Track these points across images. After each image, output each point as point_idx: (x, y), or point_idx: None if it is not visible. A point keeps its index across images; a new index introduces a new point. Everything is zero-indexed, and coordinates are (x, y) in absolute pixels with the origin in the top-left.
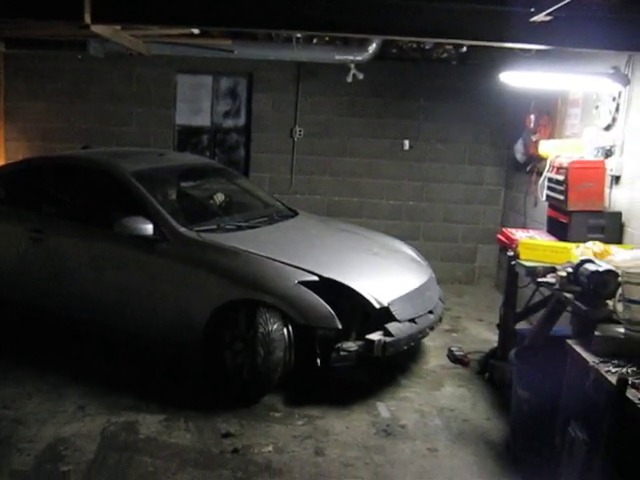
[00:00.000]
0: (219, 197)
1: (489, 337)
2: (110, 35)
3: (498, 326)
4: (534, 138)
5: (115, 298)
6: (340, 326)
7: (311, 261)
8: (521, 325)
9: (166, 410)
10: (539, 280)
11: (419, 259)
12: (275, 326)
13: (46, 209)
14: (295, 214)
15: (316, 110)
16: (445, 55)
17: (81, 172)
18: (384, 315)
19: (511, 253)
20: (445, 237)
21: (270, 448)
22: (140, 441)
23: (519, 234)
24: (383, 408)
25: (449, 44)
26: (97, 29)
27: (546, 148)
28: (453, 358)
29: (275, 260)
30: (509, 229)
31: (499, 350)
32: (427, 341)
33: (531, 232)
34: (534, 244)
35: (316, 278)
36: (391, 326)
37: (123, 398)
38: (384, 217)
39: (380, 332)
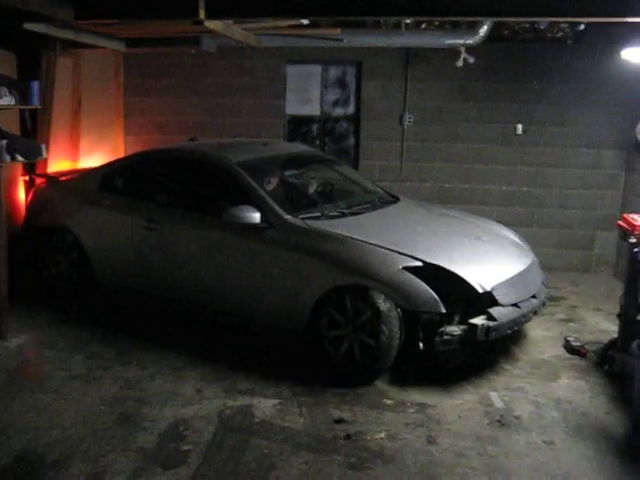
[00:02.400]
0: (321, 185)
1: (608, 327)
2: (222, 30)
3: (618, 316)
4: None
5: (224, 284)
6: (444, 310)
7: (414, 247)
8: None
9: (280, 395)
10: None
11: (521, 243)
12: (390, 309)
13: (159, 199)
14: (397, 200)
15: (426, 96)
16: (560, 35)
17: (190, 163)
18: (487, 299)
19: (633, 240)
20: (560, 224)
21: (382, 435)
22: (255, 424)
23: None
24: (496, 398)
25: (566, 23)
26: (210, 24)
27: None
28: (570, 349)
29: (380, 246)
30: (631, 215)
31: (619, 341)
32: (542, 331)
33: None
34: None
35: (420, 263)
36: (494, 310)
37: (238, 382)
38: (496, 204)
39: (483, 316)
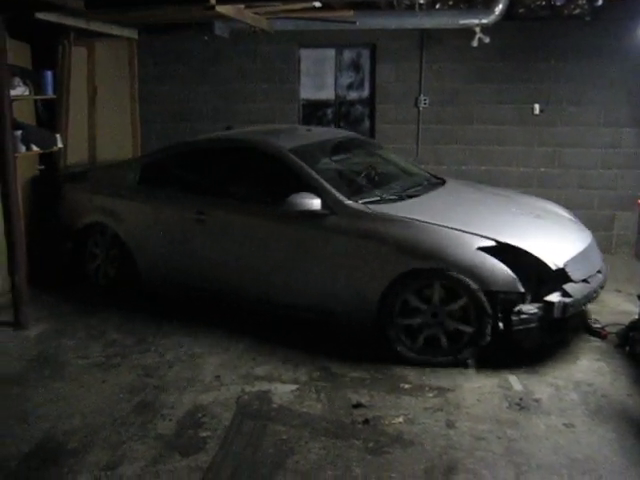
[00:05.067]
0: (369, 168)
1: (629, 309)
2: (234, 14)
3: (639, 297)
4: None
5: (282, 274)
6: (523, 290)
7: (484, 227)
8: None
9: (297, 380)
10: None
11: (576, 219)
12: (480, 292)
13: (209, 190)
14: (443, 181)
15: (441, 78)
16: (577, 11)
17: (240, 152)
18: (557, 277)
19: None
20: (580, 204)
21: (401, 419)
22: (273, 410)
23: None
24: (516, 381)
25: None
26: (222, 9)
27: None
28: (590, 330)
29: (452, 228)
30: None
31: None
32: None
33: None
34: None
35: (493, 243)
36: (568, 287)
37: (256, 368)
38: (514, 185)
39: (557, 293)
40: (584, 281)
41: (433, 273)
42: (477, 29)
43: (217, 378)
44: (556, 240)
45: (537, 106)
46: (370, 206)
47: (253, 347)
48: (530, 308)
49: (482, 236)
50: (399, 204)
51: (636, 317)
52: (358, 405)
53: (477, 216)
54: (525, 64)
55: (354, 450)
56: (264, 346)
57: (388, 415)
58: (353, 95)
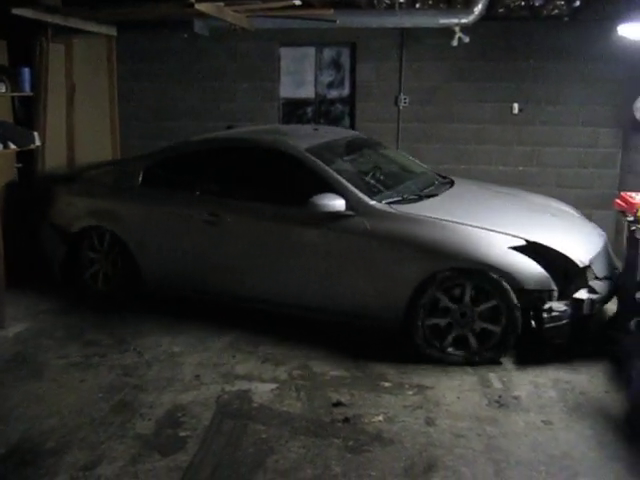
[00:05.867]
0: (381, 168)
1: (606, 306)
2: (214, 12)
3: (617, 295)
4: None
5: (304, 277)
6: (555, 288)
7: (511, 226)
8: None
9: (278, 379)
10: None
11: (584, 217)
12: (511, 291)
13: (219, 191)
14: (452, 180)
15: (421, 77)
16: (556, 11)
17: (252, 152)
18: (583, 274)
19: (631, 218)
20: None
21: (381, 418)
22: (253, 409)
23: None
24: (495, 379)
25: None
26: (201, 7)
27: None
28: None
29: (481, 228)
30: (628, 193)
31: (618, 320)
32: None
33: None
34: None
35: (523, 242)
36: (595, 284)
37: (236, 367)
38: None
39: (585, 290)
40: (607, 278)
41: (464, 273)
42: (457, 29)
43: (197, 377)
44: (577, 238)
45: (516, 105)
46: (394, 206)
47: (233, 345)
48: (560, 305)
49: (512, 235)
50: (420, 204)
51: (614, 315)
52: (338, 404)
53: (500, 215)
54: (504, 64)
55: (334, 449)
56: (244, 344)
57: (368, 413)
58: (333, 93)
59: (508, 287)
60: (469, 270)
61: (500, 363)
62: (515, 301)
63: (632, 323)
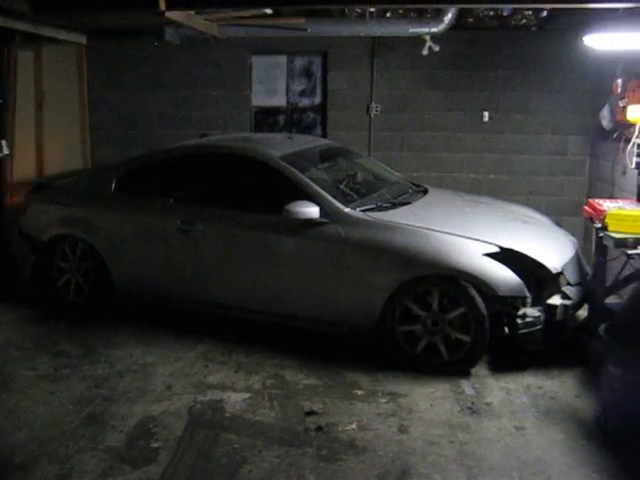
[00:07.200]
0: (355, 176)
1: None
2: (185, 20)
3: (587, 300)
4: (622, 103)
5: (279, 284)
6: (529, 294)
7: (484, 233)
8: (611, 299)
9: (250, 388)
10: (629, 252)
11: (555, 224)
12: (480, 300)
13: (194, 199)
14: (425, 188)
15: (392, 85)
16: (524, 22)
17: (227, 160)
18: (556, 280)
19: (599, 225)
20: None
21: (354, 426)
22: (226, 419)
23: (607, 204)
24: (468, 386)
25: (529, 9)
26: (172, 15)
27: (635, 113)
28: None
29: (456, 235)
30: (596, 200)
31: (588, 325)
32: None
33: (620, 202)
34: (623, 214)
35: (497, 249)
36: (568, 290)
37: (208, 377)
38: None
39: (558, 296)
40: (578, 284)
41: (436, 280)
42: (427, 38)
43: (169, 388)
44: (549, 245)
45: (486, 114)
46: (369, 214)
47: (205, 355)
48: (534, 311)
49: (486, 242)
50: (394, 211)
51: (583, 320)
52: (311, 412)
53: (473, 223)
54: (474, 72)
55: (307, 458)
56: (217, 354)
57: (341, 422)
58: (305, 102)
59: (475, 294)
60: (439, 277)
61: (469, 374)
62: (483, 308)
63: (602, 328)
